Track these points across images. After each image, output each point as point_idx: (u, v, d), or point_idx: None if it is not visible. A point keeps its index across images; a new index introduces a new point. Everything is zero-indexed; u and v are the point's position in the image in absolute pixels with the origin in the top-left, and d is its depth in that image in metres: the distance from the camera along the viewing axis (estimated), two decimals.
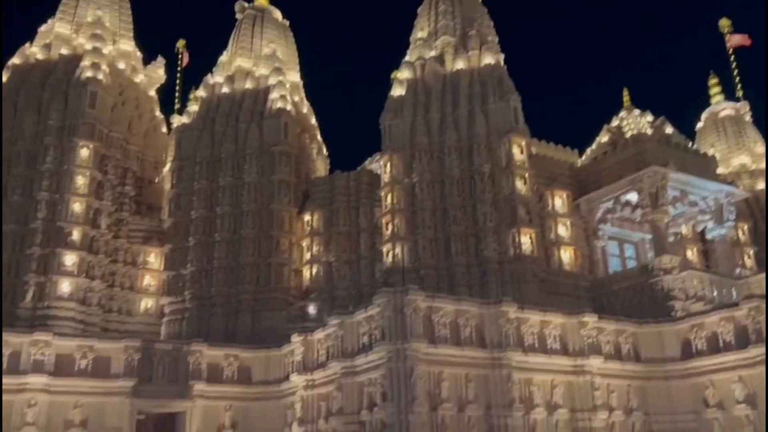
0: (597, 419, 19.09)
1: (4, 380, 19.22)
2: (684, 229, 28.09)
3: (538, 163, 26.56)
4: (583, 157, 29.55)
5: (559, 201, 26.64)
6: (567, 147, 29.24)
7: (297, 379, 21.50)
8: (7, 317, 23.84)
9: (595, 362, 19.60)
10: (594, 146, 29.93)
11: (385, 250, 25.61)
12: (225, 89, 30.68)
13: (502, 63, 27.79)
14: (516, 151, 25.41)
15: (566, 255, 25.71)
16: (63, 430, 19.66)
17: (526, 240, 24.08)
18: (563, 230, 26.17)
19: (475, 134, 26.00)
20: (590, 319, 20.09)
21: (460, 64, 27.89)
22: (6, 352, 19.56)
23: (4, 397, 19.12)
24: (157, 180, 31.62)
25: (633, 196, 25.80)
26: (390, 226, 25.60)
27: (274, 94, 29.51)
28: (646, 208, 24.73)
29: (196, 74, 42.17)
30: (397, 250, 25.07)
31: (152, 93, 33.08)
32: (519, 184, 24.83)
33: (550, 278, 24.57)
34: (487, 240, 24.35)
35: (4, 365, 19.44)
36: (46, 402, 19.47)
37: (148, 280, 28.27)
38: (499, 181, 25.14)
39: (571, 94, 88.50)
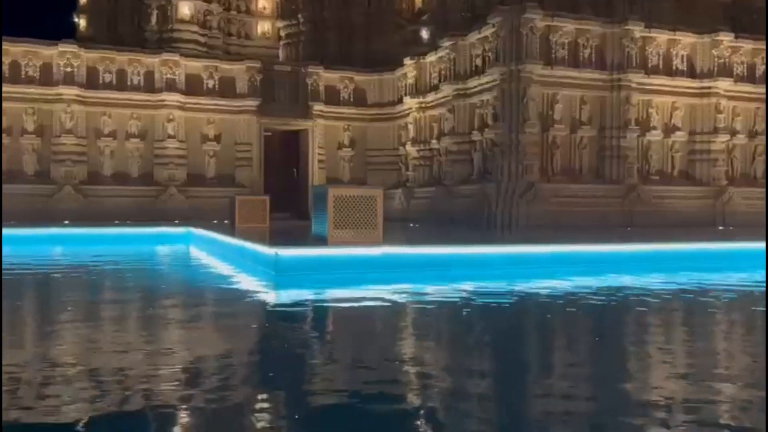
0: (716, 142, 18.60)
1: (147, 96, 21.02)
2: None
3: None
4: None
5: None
6: None
7: (410, 102, 22.02)
8: (135, 39, 25.18)
9: (723, 84, 18.48)
10: None
11: None
12: None
13: None
14: None
15: None
16: (200, 143, 21.78)
17: None
18: None
19: None
20: (725, 38, 18.49)
21: None
22: (142, 71, 21.07)
23: (148, 111, 21.10)
24: None
25: None
26: None
27: None
28: None
29: None
30: None
31: None
32: None
33: None
34: None
35: (143, 84, 21.11)
36: (182, 117, 21.32)
37: (263, 3, 28.35)
38: None
39: None
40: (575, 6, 21.79)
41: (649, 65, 18.06)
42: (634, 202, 17.54)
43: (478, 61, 18.91)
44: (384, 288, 7.82)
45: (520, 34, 17.18)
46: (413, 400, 3.64)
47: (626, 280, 9.05)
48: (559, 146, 17.75)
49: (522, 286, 8.33)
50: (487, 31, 18.20)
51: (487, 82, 18.31)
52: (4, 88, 19.40)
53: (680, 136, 18.59)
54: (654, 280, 9.04)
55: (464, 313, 6.45)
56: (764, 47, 19.15)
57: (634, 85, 17.73)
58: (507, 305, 6.92)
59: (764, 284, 8.32)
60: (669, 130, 18.53)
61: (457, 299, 7.21)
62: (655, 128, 18.29)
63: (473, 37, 18.97)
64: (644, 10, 20.71)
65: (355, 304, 6.77)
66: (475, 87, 18.95)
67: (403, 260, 9.50)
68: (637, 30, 17.69)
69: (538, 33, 17.27)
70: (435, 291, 7.81)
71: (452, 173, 19.87)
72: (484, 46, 18.55)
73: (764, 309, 6.70)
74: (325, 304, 7.11)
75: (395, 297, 7.27)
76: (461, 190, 19.20)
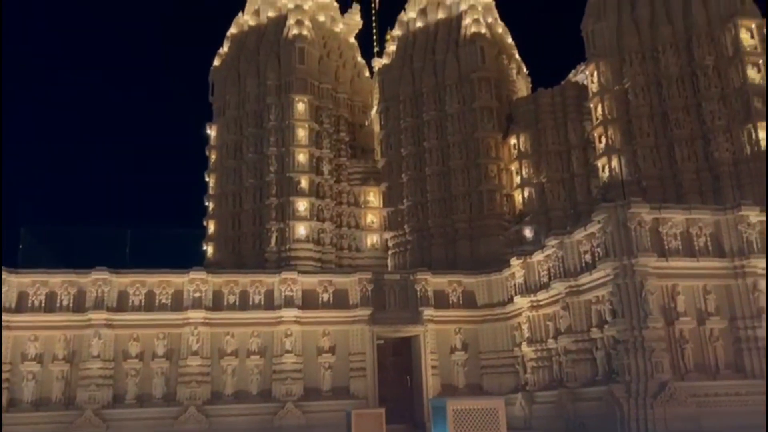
0: None
1: (266, 314, 21.95)
2: None
3: None
4: None
5: None
6: None
7: (521, 301, 21.80)
8: (256, 260, 27.11)
9: None
10: None
11: (600, 164, 24.45)
12: (419, 24, 30.88)
13: None
14: (745, 36, 22.39)
15: None
16: (316, 356, 22.12)
17: (765, 135, 21.42)
18: None
19: (692, 24, 23.36)
20: None
21: None
22: (262, 290, 22.32)
23: (267, 328, 21.90)
24: (366, 123, 33.15)
25: None
26: (603, 139, 24.29)
27: (467, 20, 29.12)
28: None
29: (390, 15, 42.55)
30: (614, 163, 23.76)
31: (352, 40, 34.28)
32: (751, 74, 21.92)
33: None
34: (717, 140, 22.05)
35: (263, 302, 22.20)
36: (299, 332, 21.98)
37: (371, 218, 30.13)
38: (725, 74, 22.48)
39: None
40: (680, 197, 21.77)
41: None
42: None
43: (587, 257, 18.80)
44: None
45: (628, 229, 17.14)
46: None
47: None
48: (689, 340, 16.70)
49: None
50: (593, 228, 18.29)
51: (599, 278, 18.01)
52: (141, 316, 21.03)
53: None
54: None
55: None
56: None
57: (759, 271, 16.86)
58: None
59: None
60: None
61: None
62: None
63: (579, 234, 19.08)
64: (754, 193, 20.34)
65: None
66: (588, 283, 18.66)
67: None
68: (752, 215, 17.26)
69: (646, 226, 17.20)
70: None
71: (575, 374, 18.90)
72: (592, 242, 18.54)
73: None
74: None
75: None
76: (587, 392, 18.09)
